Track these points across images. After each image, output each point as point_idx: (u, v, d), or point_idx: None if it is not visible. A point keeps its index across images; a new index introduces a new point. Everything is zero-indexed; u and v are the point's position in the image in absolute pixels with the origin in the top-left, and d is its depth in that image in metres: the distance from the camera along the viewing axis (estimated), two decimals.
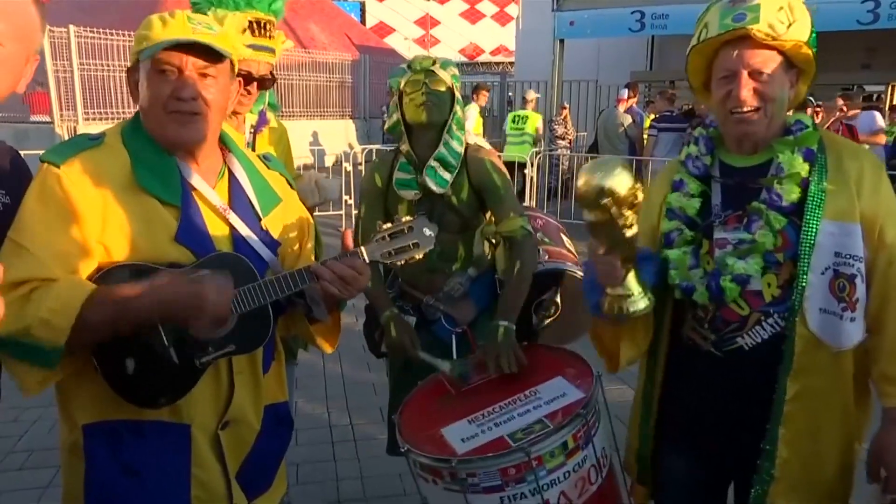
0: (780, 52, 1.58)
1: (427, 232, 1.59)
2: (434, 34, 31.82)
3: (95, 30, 11.09)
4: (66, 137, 9.79)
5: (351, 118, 17.01)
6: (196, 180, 1.54)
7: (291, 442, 3.24)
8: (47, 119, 11.52)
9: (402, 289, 2.53)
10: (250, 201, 1.63)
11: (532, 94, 11.04)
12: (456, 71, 2.42)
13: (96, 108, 11.45)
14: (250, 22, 2.24)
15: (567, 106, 12.11)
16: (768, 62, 1.57)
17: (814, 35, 1.61)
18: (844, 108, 8.21)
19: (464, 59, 30.35)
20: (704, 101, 1.78)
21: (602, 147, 9.65)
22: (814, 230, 1.56)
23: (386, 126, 2.38)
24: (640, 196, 1.43)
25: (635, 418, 1.91)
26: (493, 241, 2.48)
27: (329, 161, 13.49)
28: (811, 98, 11.11)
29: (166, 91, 1.46)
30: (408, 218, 1.62)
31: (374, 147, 10.18)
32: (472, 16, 33.62)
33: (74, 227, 1.40)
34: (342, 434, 3.81)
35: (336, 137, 15.14)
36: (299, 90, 15.16)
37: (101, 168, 1.45)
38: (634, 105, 9.98)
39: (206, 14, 2.21)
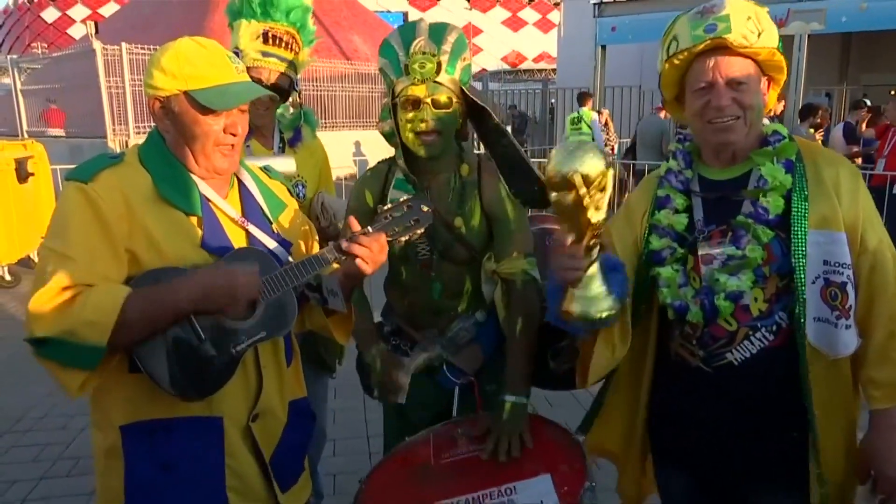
0: (754, 61, 1.59)
1: (424, 208, 1.67)
2: (476, 43, 31.88)
3: (146, 46, 11.42)
4: (119, 151, 10.15)
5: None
6: (211, 195, 1.62)
7: (328, 452, 3.31)
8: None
9: (400, 325, 2.18)
10: (260, 207, 1.72)
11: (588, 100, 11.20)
12: (467, 59, 1.96)
13: (147, 123, 11.78)
14: (265, 32, 2.26)
15: (604, 111, 11.99)
16: (745, 71, 1.58)
17: (780, 44, 1.61)
18: None
19: (506, 67, 30.34)
20: (675, 114, 1.77)
21: (640, 153, 9.53)
22: (803, 240, 1.56)
23: (379, 129, 2.11)
24: (610, 181, 1.40)
25: (612, 437, 1.90)
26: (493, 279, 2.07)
27: None
28: (866, 100, 10.76)
29: (219, 126, 1.56)
30: (405, 197, 1.69)
31: None
32: (515, 24, 33.62)
33: (106, 237, 1.47)
34: (380, 445, 3.80)
35: (379, 147, 15.19)
36: (343, 101, 15.35)
37: (125, 182, 1.52)
38: None
39: (231, 25, 2.27)
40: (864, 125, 9.47)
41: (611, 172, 1.40)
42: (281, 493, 1.74)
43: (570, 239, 1.47)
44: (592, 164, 1.36)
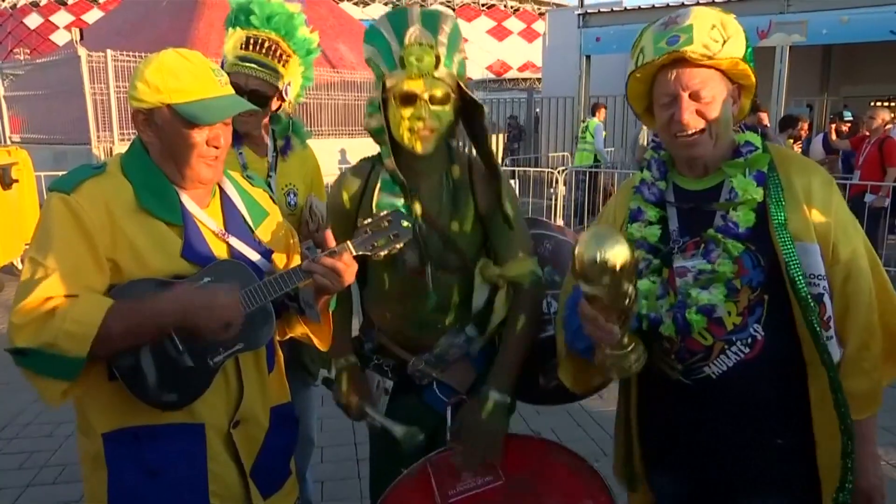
0: (718, 70, 1.56)
1: (404, 223, 1.66)
2: None
3: (131, 53, 11.38)
4: (103, 158, 10.03)
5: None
6: (193, 207, 1.63)
7: (316, 459, 3.32)
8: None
9: (381, 342, 2.04)
10: (242, 216, 1.74)
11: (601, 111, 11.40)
12: (463, 51, 1.82)
13: (131, 130, 11.71)
14: (247, 38, 2.27)
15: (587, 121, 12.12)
16: (707, 83, 1.54)
17: (750, 50, 1.57)
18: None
19: (491, 76, 30.47)
20: (649, 125, 1.75)
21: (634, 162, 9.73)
22: (792, 249, 1.52)
23: (365, 125, 1.93)
24: (639, 265, 1.38)
25: (619, 436, 1.90)
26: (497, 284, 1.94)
27: None
28: (849, 111, 10.94)
29: (202, 138, 1.57)
30: (385, 212, 1.67)
31: None
32: (500, 33, 33.79)
33: (89, 248, 1.49)
34: (368, 452, 3.81)
35: (364, 155, 15.28)
36: (328, 109, 15.35)
37: (107, 193, 1.54)
38: None
39: (227, 31, 2.29)
40: (833, 134, 9.66)
41: (637, 256, 1.37)
42: (263, 498, 1.74)
43: (601, 319, 1.44)
44: (619, 253, 1.32)
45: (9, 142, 12.12)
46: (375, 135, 1.87)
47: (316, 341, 1.84)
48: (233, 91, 1.66)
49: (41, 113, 12.87)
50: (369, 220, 1.67)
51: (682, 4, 11.73)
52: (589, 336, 1.52)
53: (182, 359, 1.51)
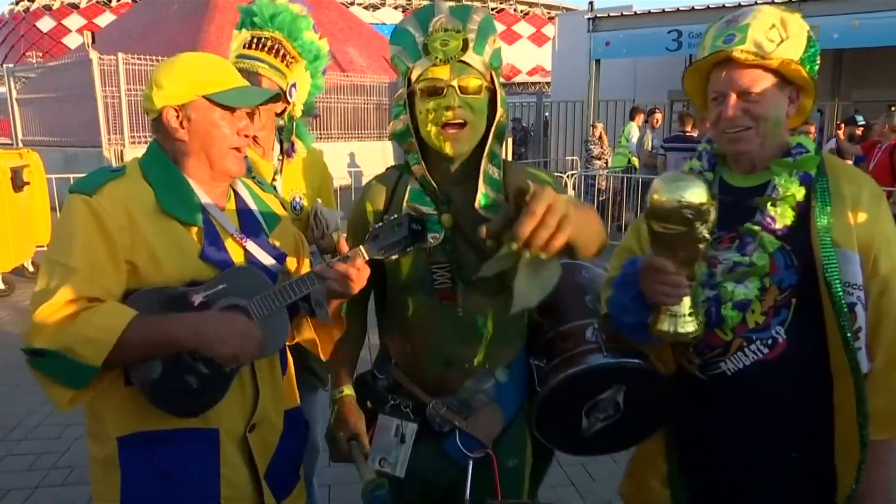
0: (771, 71, 1.56)
1: (415, 227, 1.63)
2: None
3: (142, 57, 11.47)
4: (114, 161, 10.04)
5: (388, 139, 17.20)
6: (212, 208, 1.65)
7: (323, 463, 3.32)
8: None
9: (398, 380, 1.79)
10: (257, 218, 1.75)
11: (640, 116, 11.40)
12: (497, 42, 1.62)
13: (142, 132, 11.80)
14: (252, 37, 2.26)
15: (597, 125, 12.07)
16: (757, 82, 1.56)
17: (812, 50, 1.58)
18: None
19: (501, 80, 30.54)
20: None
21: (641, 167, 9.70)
22: (832, 255, 1.51)
23: (389, 131, 1.68)
24: (713, 212, 1.36)
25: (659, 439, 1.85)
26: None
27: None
28: (860, 115, 10.89)
29: (234, 129, 1.62)
30: (395, 216, 1.62)
31: None
32: (509, 37, 33.88)
33: (109, 250, 1.49)
34: None
35: (373, 159, 15.33)
36: (337, 112, 15.42)
37: (127, 195, 1.54)
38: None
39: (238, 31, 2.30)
40: (842, 135, 9.64)
41: (714, 203, 1.36)
42: (277, 502, 1.75)
43: (670, 267, 1.42)
44: (699, 193, 1.32)
45: (20, 144, 12.21)
46: (401, 139, 1.66)
47: (321, 348, 1.84)
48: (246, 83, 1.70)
49: (53, 115, 12.97)
50: (380, 223, 1.64)
51: (693, 9, 11.75)
52: (651, 298, 1.48)
53: (198, 366, 1.52)
